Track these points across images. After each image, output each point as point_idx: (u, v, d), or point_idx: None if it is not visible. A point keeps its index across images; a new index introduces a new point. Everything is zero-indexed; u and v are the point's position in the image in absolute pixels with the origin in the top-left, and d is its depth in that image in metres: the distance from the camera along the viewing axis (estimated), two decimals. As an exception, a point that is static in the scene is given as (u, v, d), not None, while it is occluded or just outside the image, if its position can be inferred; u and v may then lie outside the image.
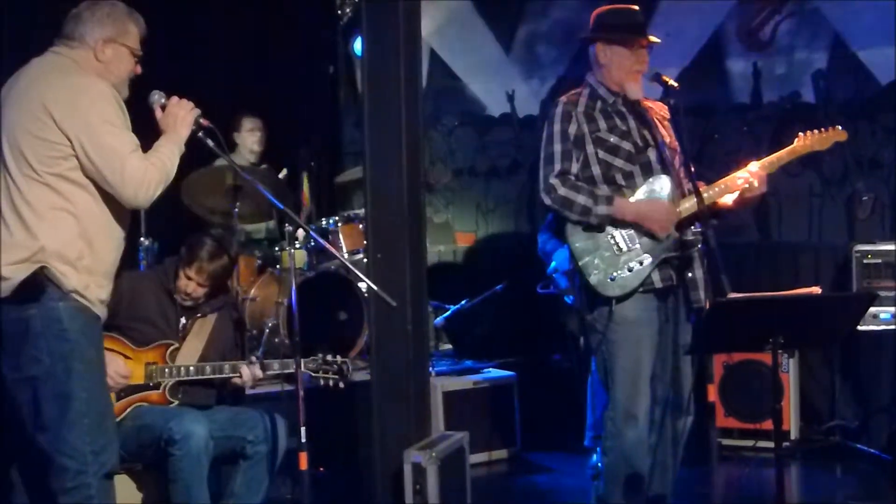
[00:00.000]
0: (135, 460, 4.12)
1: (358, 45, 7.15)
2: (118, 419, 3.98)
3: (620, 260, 4.10)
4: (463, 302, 6.79)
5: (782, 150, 4.23)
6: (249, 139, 6.83)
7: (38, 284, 3.32)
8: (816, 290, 3.95)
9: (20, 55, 3.64)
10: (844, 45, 6.36)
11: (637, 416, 4.11)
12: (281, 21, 7.68)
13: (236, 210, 5.22)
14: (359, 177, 5.79)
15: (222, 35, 7.30)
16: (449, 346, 7.10)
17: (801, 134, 4.23)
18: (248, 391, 4.54)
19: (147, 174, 3.40)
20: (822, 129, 4.22)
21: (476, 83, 7.82)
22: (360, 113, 5.04)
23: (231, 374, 4.28)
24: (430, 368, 5.68)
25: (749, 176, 4.13)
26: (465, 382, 6.08)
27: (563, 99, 4.29)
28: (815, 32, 6.47)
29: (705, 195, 4.11)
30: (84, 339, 3.38)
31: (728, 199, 4.21)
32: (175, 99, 3.65)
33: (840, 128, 4.24)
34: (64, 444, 3.34)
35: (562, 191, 4.13)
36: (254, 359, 4.35)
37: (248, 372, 4.27)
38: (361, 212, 5.66)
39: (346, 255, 6.25)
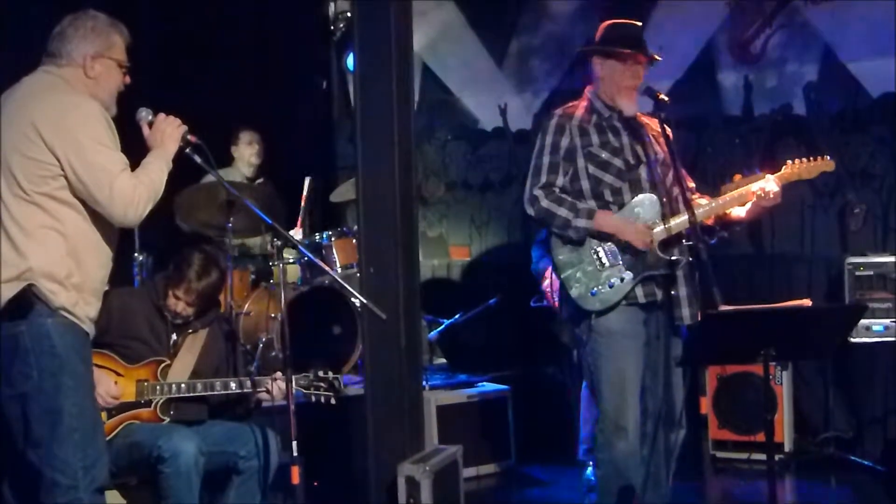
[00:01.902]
0: (127, 476, 4.12)
1: (351, 61, 7.17)
2: (109, 437, 3.99)
3: (602, 275, 4.11)
4: (457, 316, 6.79)
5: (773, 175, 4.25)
6: (247, 152, 6.85)
7: (26, 301, 3.32)
8: (807, 302, 3.96)
9: (17, 69, 3.65)
10: (835, 58, 6.38)
11: (626, 427, 4.10)
12: (275, 36, 7.70)
13: (230, 225, 5.23)
14: (353, 197, 5.79)
15: (217, 50, 7.32)
16: (443, 360, 7.12)
17: (789, 162, 4.23)
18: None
19: (136, 192, 3.40)
20: (811, 158, 4.23)
21: (469, 97, 7.84)
22: (353, 127, 5.06)
23: (223, 391, 4.28)
24: (424, 382, 5.68)
25: (764, 185, 4.13)
26: (458, 396, 6.08)
27: (559, 111, 4.31)
28: (806, 45, 6.50)
29: (716, 205, 4.15)
30: (73, 354, 3.38)
31: (741, 211, 4.21)
32: (162, 116, 3.66)
33: (829, 158, 4.25)
34: (54, 459, 3.34)
35: (544, 203, 4.15)
36: (279, 374, 4.32)
37: (274, 387, 4.28)
38: (355, 226, 5.66)
39: (339, 270, 6.26)
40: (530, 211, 4.21)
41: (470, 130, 7.85)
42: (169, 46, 6.84)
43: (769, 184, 4.13)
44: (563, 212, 4.13)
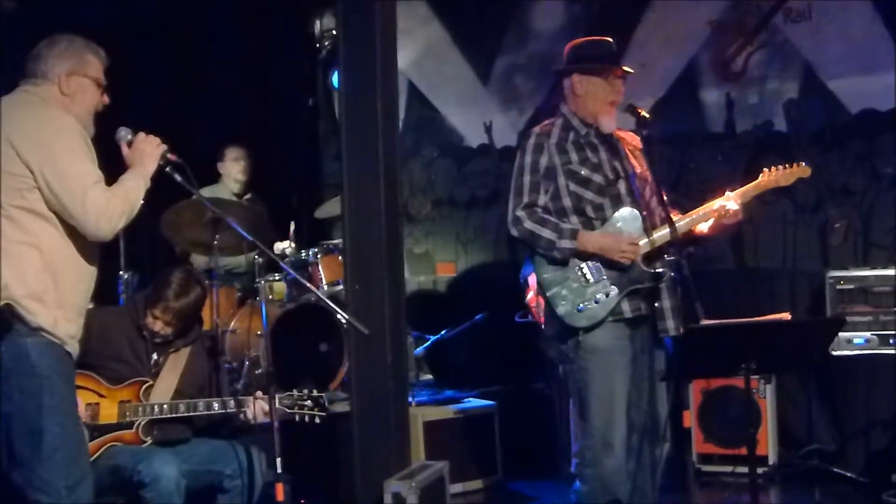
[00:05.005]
0: (112, 498, 4.11)
1: (336, 78, 7.21)
2: (92, 459, 3.95)
3: (588, 291, 4.14)
4: (443, 332, 6.81)
5: (749, 185, 4.31)
6: (234, 168, 6.88)
7: (3, 321, 3.33)
8: (786, 315, 4.00)
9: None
10: (814, 75, 6.45)
11: (613, 444, 4.13)
12: (262, 53, 7.74)
13: (216, 242, 5.24)
14: (339, 213, 5.81)
15: (206, 69, 7.35)
16: (429, 376, 7.11)
17: (765, 169, 4.31)
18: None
19: (109, 205, 3.42)
20: (787, 166, 4.32)
21: (454, 114, 7.87)
22: (339, 144, 5.09)
23: (206, 412, 4.27)
24: (411, 398, 5.69)
25: (725, 203, 4.20)
26: (445, 412, 6.08)
27: (537, 130, 4.34)
28: (786, 63, 6.55)
29: (683, 222, 4.18)
30: (54, 374, 3.39)
31: (704, 227, 4.26)
32: (142, 135, 3.69)
33: (804, 164, 4.33)
34: (37, 479, 3.34)
35: (528, 224, 4.18)
36: (259, 393, 4.33)
37: (255, 406, 4.28)
38: (341, 242, 5.68)
39: (325, 287, 6.27)
40: (514, 232, 4.24)
41: (455, 148, 7.87)
42: (156, 65, 6.88)
43: (729, 202, 4.20)
44: (546, 233, 4.16)
